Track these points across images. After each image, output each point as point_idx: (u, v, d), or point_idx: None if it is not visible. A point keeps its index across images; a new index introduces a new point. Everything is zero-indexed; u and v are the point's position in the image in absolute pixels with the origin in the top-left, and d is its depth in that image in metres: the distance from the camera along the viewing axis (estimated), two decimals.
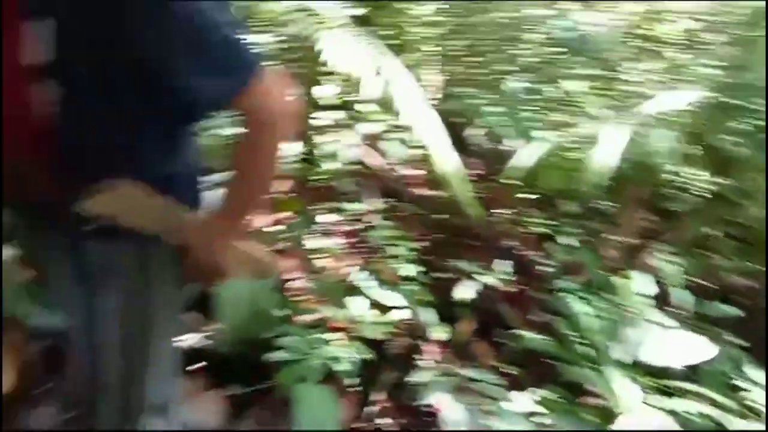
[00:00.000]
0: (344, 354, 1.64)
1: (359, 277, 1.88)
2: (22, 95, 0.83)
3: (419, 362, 1.89)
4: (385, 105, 2.35)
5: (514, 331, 1.97)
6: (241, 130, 0.93)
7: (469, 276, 2.00)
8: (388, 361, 1.86)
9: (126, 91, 0.87)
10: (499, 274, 2.03)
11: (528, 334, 1.87)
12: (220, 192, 1.04)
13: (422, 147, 2.43)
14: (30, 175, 0.90)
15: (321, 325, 1.84)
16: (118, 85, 0.86)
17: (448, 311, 1.99)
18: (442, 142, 1.83)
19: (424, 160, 2.48)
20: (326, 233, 2.09)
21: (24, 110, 0.84)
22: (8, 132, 0.86)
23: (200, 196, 1.07)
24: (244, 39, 0.89)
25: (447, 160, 1.83)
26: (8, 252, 1.46)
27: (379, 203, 2.21)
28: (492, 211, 2.22)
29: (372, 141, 2.40)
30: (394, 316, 1.82)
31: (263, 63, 0.90)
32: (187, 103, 0.89)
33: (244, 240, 1.12)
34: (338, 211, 2.14)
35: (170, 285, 1.10)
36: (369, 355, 1.69)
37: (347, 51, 1.67)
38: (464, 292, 1.95)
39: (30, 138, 0.87)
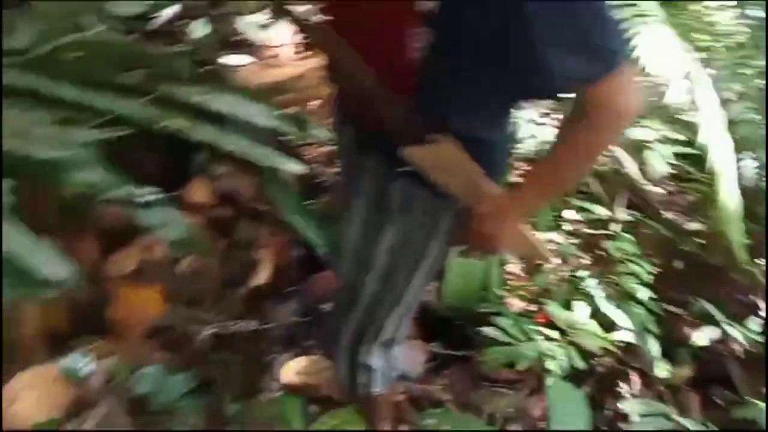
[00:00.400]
0: (558, 354, 1.60)
1: (588, 283, 1.80)
2: (402, 34, 0.90)
3: (622, 390, 1.79)
4: (654, 112, 2.17)
5: (741, 396, 1.76)
6: (579, 117, 0.90)
7: (709, 320, 1.81)
8: (591, 377, 1.78)
9: (487, 53, 0.88)
10: (745, 330, 1.80)
11: (763, 407, 1.65)
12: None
13: (686, 166, 2.23)
14: (381, 106, 0.99)
15: (530, 315, 1.83)
16: (482, 45, 0.87)
17: (669, 348, 1.84)
18: (730, 172, 1.64)
19: (686, 181, 2.27)
20: (559, 228, 2.03)
21: (400, 47, 0.91)
22: (381, 62, 0.95)
23: (505, 168, 1.09)
24: (618, 21, 0.85)
25: (730, 194, 1.64)
26: (296, 166, 1.66)
27: (624, 213, 2.08)
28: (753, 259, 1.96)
29: (631, 148, 2.24)
30: (616, 334, 1.72)
31: (630, 52, 0.85)
32: (541, 77, 0.87)
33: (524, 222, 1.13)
34: (578, 209, 2.06)
35: (445, 240, 1.16)
36: (581, 364, 1.63)
37: (661, 49, 1.54)
38: (700, 336, 1.77)
39: (396, 74, 0.94)
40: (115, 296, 1.37)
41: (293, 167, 1.66)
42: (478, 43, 0.87)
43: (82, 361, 1.18)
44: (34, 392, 1.12)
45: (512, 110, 1.04)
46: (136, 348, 1.31)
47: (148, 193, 1.34)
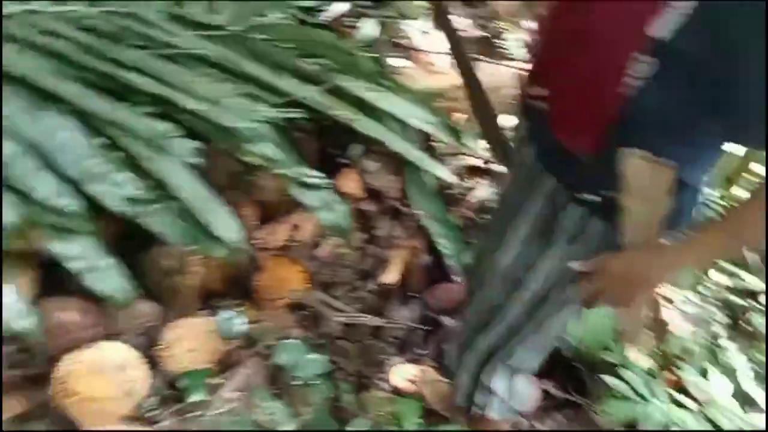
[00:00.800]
0: (689, 424, 1.48)
1: (731, 356, 1.66)
2: (622, 58, 0.86)
3: None
4: None
5: None
6: None
7: None
8: None
9: (717, 89, 0.82)
10: None
11: None
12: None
13: None
14: (581, 125, 0.96)
15: (654, 374, 1.71)
16: (714, 80, 0.82)
17: None
18: None
19: None
20: (703, 291, 1.89)
21: (616, 71, 0.87)
22: (591, 82, 0.92)
23: (689, 219, 1.02)
24: None
25: None
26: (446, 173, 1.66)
27: None
28: None
29: None
30: (755, 418, 1.56)
31: None
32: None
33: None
34: (729, 274, 1.90)
35: None
36: None
37: None
38: None
39: (604, 98, 0.91)
40: (264, 266, 1.43)
41: (443, 174, 1.67)
42: (709, 77, 0.82)
43: (237, 320, 1.24)
44: (187, 342, 1.19)
45: (718, 156, 0.98)
46: (277, 319, 1.36)
47: (313, 176, 1.41)
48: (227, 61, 1.53)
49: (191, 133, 1.33)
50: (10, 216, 1.05)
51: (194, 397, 1.11)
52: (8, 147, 1.12)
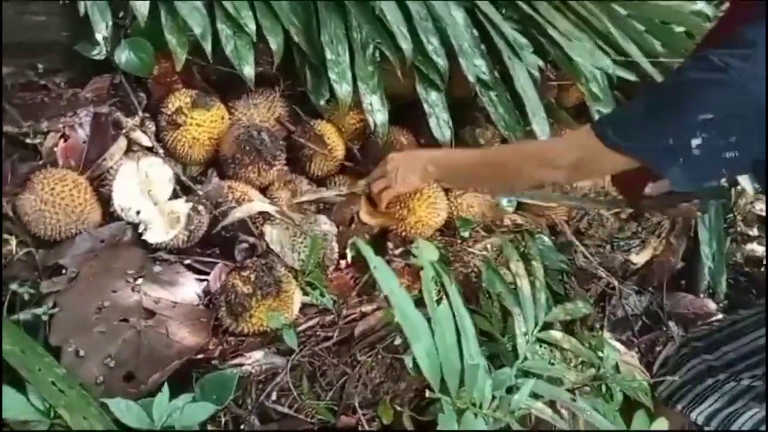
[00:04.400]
0: None
1: None
2: None
3: None
4: None
5: None
6: None
7: None
8: None
9: None
10: None
11: None
12: None
13: None
14: None
15: None
16: None
17: None
18: None
19: None
20: None
21: None
22: None
23: None
24: None
25: None
26: None
27: None
28: None
29: None
30: None
31: None
32: None
33: None
34: None
35: None
36: None
37: None
38: None
39: None
40: None
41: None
42: None
43: (507, 202, 1.51)
44: (470, 199, 1.47)
45: None
46: (537, 221, 1.58)
47: None
48: (592, 15, 1.74)
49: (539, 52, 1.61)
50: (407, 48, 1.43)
51: (462, 233, 1.41)
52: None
